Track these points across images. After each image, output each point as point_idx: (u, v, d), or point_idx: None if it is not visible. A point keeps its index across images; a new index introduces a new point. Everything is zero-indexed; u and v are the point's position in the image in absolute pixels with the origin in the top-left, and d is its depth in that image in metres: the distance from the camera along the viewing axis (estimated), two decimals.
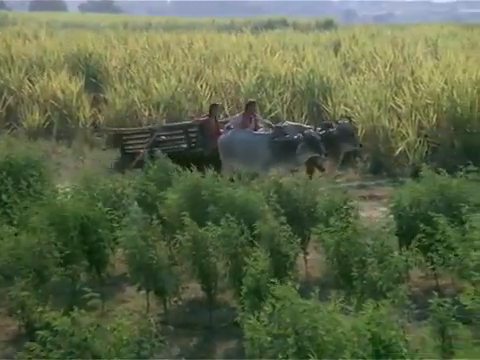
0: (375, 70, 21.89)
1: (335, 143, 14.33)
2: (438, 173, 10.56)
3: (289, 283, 6.49)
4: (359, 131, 18.83)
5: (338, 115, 19.88)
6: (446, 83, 19.23)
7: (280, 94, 21.39)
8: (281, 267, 8.80)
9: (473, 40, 28.84)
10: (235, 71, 23.11)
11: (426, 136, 18.16)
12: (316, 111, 20.89)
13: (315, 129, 14.32)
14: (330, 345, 5.90)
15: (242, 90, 21.96)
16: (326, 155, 13.72)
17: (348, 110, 19.74)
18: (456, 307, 6.62)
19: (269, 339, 6.25)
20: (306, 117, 20.31)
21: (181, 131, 15.85)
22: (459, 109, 18.66)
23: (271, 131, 14.28)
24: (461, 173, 10.44)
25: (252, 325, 6.43)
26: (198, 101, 21.70)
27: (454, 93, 18.85)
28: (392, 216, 10.25)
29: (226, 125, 15.24)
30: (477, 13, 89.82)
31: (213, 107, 15.90)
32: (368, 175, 17.73)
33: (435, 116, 18.55)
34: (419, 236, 8.90)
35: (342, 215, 9.21)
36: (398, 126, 18.55)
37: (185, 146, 15.61)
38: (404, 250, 8.34)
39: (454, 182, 10.30)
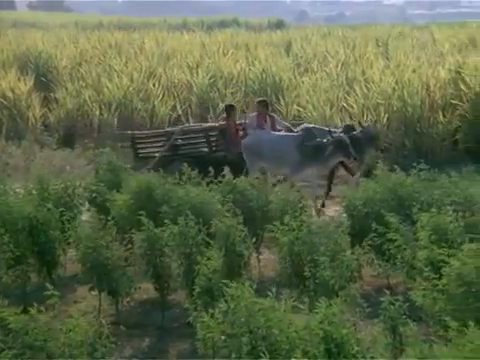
0: (327, 70, 22.02)
1: (359, 147, 13.71)
2: (392, 171, 10.64)
3: (244, 282, 6.46)
4: None
5: (291, 115, 19.97)
6: (397, 83, 19.43)
7: (233, 94, 21.41)
8: (235, 267, 8.79)
9: (422, 40, 29.16)
10: (187, 70, 23.06)
11: None
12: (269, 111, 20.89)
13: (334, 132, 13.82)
14: (283, 344, 5.90)
15: (195, 89, 21.91)
16: (355, 159, 13.30)
17: (301, 110, 19.82)
18: (407, 305, 6.67)
19: (223, 338, 6.23)
20: None
21: (201, 134, 15.07)
22: (409, 109, 18.86)
23: (299, 132, 13.79)
24: (414, 172, 10.54)
25: (206, 324, 6.40)
26: (150, 100, 21.60)
27: (405, 93, 19.05)
28: (345, 215, 10.30)
29: (244, 126, 14.71)
30: (425, 14, 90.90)
31: (230, 108, 15.12)
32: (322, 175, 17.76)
33: (386, 116, 18.72)
34: (371, 235, 8.96)
35: (296, 214, 9.22)
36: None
37: (206, 150, 14.87)
38: (356, 249, 8.38)
39: (408, 181, 10.39)
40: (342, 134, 13.53)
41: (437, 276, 7.11)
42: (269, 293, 6.31)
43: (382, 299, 6.66)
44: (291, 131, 14.40)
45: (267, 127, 14.39)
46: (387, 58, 23.72)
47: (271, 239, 9.63)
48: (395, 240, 8.72)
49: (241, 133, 14.70)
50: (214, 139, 14.91)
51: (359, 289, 7.48)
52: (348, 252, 8.26)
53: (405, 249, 8.55)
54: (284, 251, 8.74)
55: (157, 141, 15.38)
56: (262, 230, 10.55)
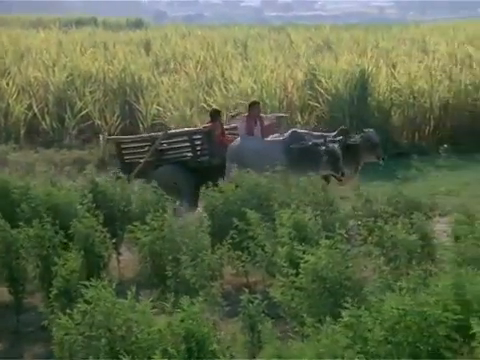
0: (186, 70, 22.05)
1: (356, 152, 13.10)
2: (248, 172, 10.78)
3: (103, 282, 6.36)
4: None
5: (151, 114, 19.87)
6: (255, 83, 19.69)
7: (91, 92, 21.11)
8: (94, 268, 8.65)
9: (280, 42, 29.66)
10: (43, 69, 22.54)
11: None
12: (128, 110, 20.76)
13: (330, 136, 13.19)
14: (143, 344, 5.85)
15: (51, 88, 21.46)
16: (343, 175, 12.62)
17: (160, 109, 19.76)
18: (265, 303, 6.74)
19: (80, 339, 6.11)
20: (118, 116, 20.15)
21: (185, 138, 14.32)
22: (268, 109, 19.13)
23: (286, 137, 13.14)
24: (269, 172, 10.72)
25: (63, 325, 6.25)
26: (4, 99, 20.98)
27: (263, 93, 19.32)
28: (205, 214, 10.33)
29: (232, 128, 14.20)
30: (282, 16, 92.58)
31: (216, 112, 14.43)
32: None
33: None
34: (232, 233, 9.03)
35: (157, 214, 9.17)
36: None
37: (190, 155, 14.09)
38: (218, 248, 8.42)
39: (264, 181, 10.53)
40: (336, 144, 12.75)
41: (295, 272, 7.22)
42: (128, 293, 6.24)
43: (241, 297, 6.71)
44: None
45: (257, 131, 13.77)
46: (245, 59, 24.00)
47: (132, 239, 9.53)
48: (255, 237, 8.82)
49: (229, 137, 14.02)
50: (199, 143, 14.17)
51: (219, 288, 7.51)
52: (209, 251, 8.28)
53: (265, 246, 8.65)
54: (145, 251, 8.68)
55: (141, 147, 14.57)
56: (123, 230, 10.44)
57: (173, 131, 15.09)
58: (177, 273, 7.98)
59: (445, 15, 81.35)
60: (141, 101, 20.30)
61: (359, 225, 10.04)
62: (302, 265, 7.05)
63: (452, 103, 19.72)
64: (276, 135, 13.59)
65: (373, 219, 9.41)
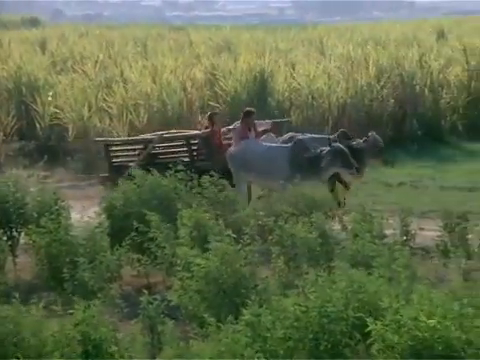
0: (84, 70, 21.73)
1: (361, 158, 12.34)
2: (149, 173, 10.69)
3: None
4: (70, 132, 18.70)
5: (48, 114, 19.51)
6: (155, 83, 19.58)
7: None
8: None
9: (180, 42, 29.60)
10: None
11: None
12: (25, 110, 20.33)
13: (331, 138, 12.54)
14: (36, 349, 5.72)
15: None
16: (357, 170, 12.04)
17: (58, 111, 19.42)
18: (166, 303, 6.70)
19: None
20: (14, 116, 19.71)
21: (182, 142, 13.70)
22: (169, 109, 19.08)
23: (290, 144, 12.53)
24: (171, 173, 10.66)
25: None
26: None
27: (163, 93, 19.24)
28: (104, 216, 10.18)
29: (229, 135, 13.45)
30: (182, 16, 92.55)
31: (214, 116, 13.79)
32: (80, 175, 17.54)
33: (146, 116, 18.81)
34: (132, 235, 8.94)
35: (53, 216, 8.99)
36: (109, 126, 18.57)
37: (187, 159, 13.45)
38: (117, 249, 8.32)
39: (165, 181, 10.46)
40: (339, 143, 12.17)
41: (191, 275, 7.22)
42: (13, 299, 6.08)
43: (141, 298, 6.65)
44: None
45: (251, 137, 13.19)
46: (145, 59, 23.84)
47: (29, 242, 9.32)
48: (156, 238, 8.75)
49: (225, 143, 13.42)
50: (196, 148, 13.60)
51: (118, 289, 7.43)
52: (108, 252, 8.18)
53: (165, 247, 8.60)
54: (41, 253, 8.50)
55: (133, 149, 13.90)
56: (18, 233, 10.20)
57: (169, 134, 14.09)
58: (74, 275, 7.84)
59: (342, 17, 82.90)
60: (38, 101, 19.89)
61: (259, 225, 10.09)
62: (195, 269, 7.05)
63: (349, 103, 20.05)
64: (271, 138, 13.19)
65: (274, 218, 9.47)
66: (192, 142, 13.60)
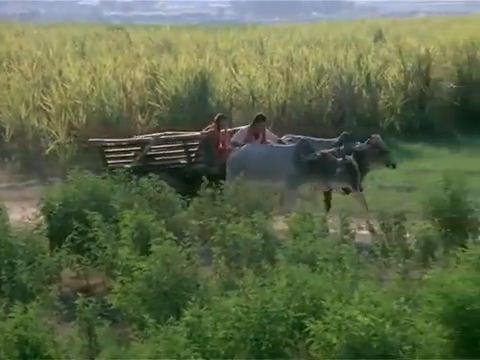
0: (21, 69, 21.44)
1: (363, 159, 12.05)
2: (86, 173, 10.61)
3: None
4: (7, 132, 18.45)
5: None
6: (94, 84, 19.42)
7: None
8: None
9: (119, 42, 29.41)
10: None
11: (76, 136, 18.19)
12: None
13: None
14: None
15: None
16: (361, 190, 11.93)
17: None
18: (106, 305, 6.66)
19: None
20: None
21: (179, 144, 13.35)
22: (108, 109, 18.95)
23: (295, 145, 12.23)
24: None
25: None
26: None
27: (102, 94, 19.10)
28: (43, 217, 10.06)
29: (231, 142, 12.94)
30: (121, 15, 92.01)
31: (221, 119, 13.26)
32: (18, 176, 17.32)
33: (85, 116, 18.65)
34: (71, 236, 8.85)
35: None
36: (48, 126, 18.38)
37: (184, 161, 13.22)
38: (56, 250, 8.23)
39: (104, 182, 10.39)
40: (351, 158, 11.85)
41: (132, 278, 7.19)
42: None
43: (77, 301, 6.61)
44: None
45: (256, 143, 12.87)
46: (84, 58, 23.63)
47: None
48: (97, 238, 8.68)
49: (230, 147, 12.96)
50: (194, 150, 13.28)
51: (57, 291, 7.35)
52: (47, 254, 8.09)
53: (106, 247, 8.53)
54: None
55: (128, 151, 13.54)
56: None
57: (166, 136, 13.73)
58: (12, 278, 7.74)
59: (281, 17, 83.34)
60: None
61: (201, 225, 10.09)
62: (135, 273, 7.03)
63: (289, 103, 20.17)
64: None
65: (215, 219, 9.47)
66: (190, 144, 13.29)
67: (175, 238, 7.59)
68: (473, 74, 21.92)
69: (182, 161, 13.25)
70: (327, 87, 20.55)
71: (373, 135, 12.62)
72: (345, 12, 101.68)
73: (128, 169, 12.11)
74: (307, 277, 6.44)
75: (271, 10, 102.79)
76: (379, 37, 29.86)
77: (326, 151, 11.91)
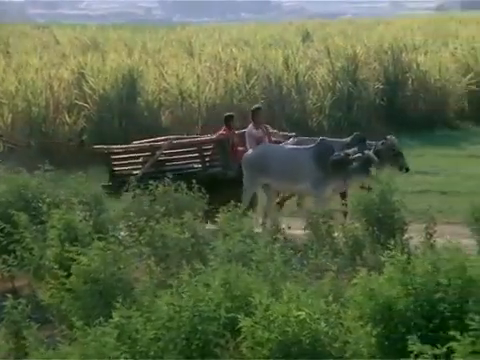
0: None
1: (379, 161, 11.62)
2: (17, 173, 10.42)
3: None
4: None
5: None
6: (20, 83, 19.14)
7: None
8: None
9: (44, 41, 29.04)
10: None
11: (1, 136, 17.91)
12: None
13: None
14: None
15: None
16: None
17: None
18: (32, 307, 6.56)
19: None
20: None
21: (194, 148, 12.78)
22: (34, 109, 18.69)
23: (315, 145, 11.86)
24: (39, 172, 10.43)
25: None
26: None
27: (28, 93, 18.83)
28: None
29: (247, 137, 12.49)
30: (46, 14, 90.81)
31: (230, 118, 12.85)
32: None
33: (10, 116, 18.38)
34: None
35: None
36: None
37: (199, 166, 12.69)
38: None
39: (33, 182, 10.22)
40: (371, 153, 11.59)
41: (66, 274, 7.09)
42: None
43: (5, 303, 6.49)
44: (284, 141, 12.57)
45: (265, 139, 12.53)
46: (9, 57, 23.25)
47: None
48: (23, 240, 8.54)
49: (241, 148, 12.56)
50: (209, 153, 12.73)
51: None
52: None
53: (33, 248, 8.40)
54: None
55: (137, 157, 12.98)
56: None
57: (179, 140, 13.18)
58: None
59: (210, 18, 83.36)
60: None
61: (130, 225, 10.02)
62: (74, 266, 6.93)
63: (219, 103, 20.18)
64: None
65: (145, 219, 9.42)
66: (204, 147, 12.81)
67: (105, 236, 7.53)
68: (398, 74, 22.32)
69: (196, 165, 12.79)
70: (256, 87, 20.64)
71: (388, 136, 12.26)
72: (273, 13, 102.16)
73: (139, 176, 11.96)
74: (240, 276, 6.45)
75: (199, 10, 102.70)
76: (307, 38, 30.13)
77: (349, 151, 11.62)
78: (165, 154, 12.77)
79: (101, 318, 6.02)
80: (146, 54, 23.21)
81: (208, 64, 21.71)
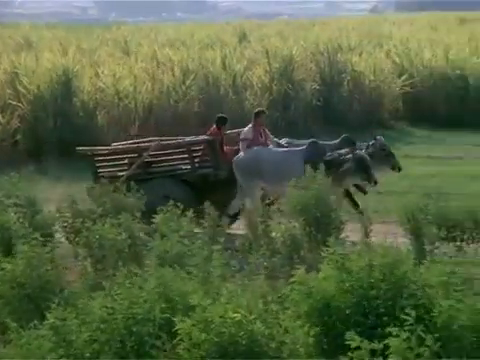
0: None
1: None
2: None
3: None
4: None
5: None
6: None
7: None
8: None
9: None
10: None
11: None
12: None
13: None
14: None
15: None
16: (376, 183, 11.40)
17: None
18: None
19: None
20: None
21: (182, 150, 12.51)
22: None
23: (305, 147, 11.91)
24: None
25: None
26: None
27: None
28: None
29: (240, 139, 12.31)
30: None
31: (222, 120, 12.66)
32: None
33: None
34: None
35: None
36: None
37: (188, 167, 12.41)
38: None
39: None
40: (362, 152, 11.60)
41: None
42: None
43: None
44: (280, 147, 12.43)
45: (262, 143, 12.35)
46: None
47: None
48: None
49: (228, 148, 12.47)
50: (198, 154, 12.48)
51: None
52: None
53: None
54: None
55: (122, 158, 12.64)
56: None
57: (167, 141, 12.89)
58: None
59: (145, 17, 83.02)
60: None
61: (65, 227, 9.91)
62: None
63: (156, 104, 20.09)
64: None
65: (81, 220, 9.31)
66: (193, 148, 12.58)
67: (41, 239, 7.43)
68: (334, 75, 22.52)
69: (184, 167, 12.56)
70: (193, 88, 20.60)
71: (377, 137, 12.27)
72: (209, 13, 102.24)
73: (124, 178, 11.79)
74: (175, 278, 6.41)
75: (135, 10, 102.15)
76: (243, 38, 30.20)
77: (342, 151, 11.63)
78: (152, 156, 12.55)
79: (35, 321, 5.95)
80: (81, 53, 22.96)
81: (144, 64, 21.59)
